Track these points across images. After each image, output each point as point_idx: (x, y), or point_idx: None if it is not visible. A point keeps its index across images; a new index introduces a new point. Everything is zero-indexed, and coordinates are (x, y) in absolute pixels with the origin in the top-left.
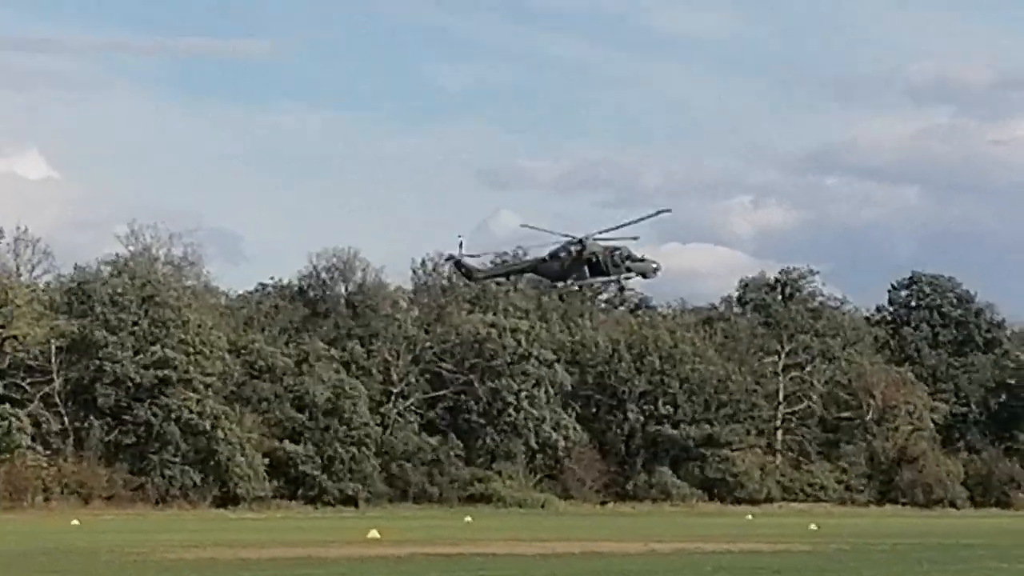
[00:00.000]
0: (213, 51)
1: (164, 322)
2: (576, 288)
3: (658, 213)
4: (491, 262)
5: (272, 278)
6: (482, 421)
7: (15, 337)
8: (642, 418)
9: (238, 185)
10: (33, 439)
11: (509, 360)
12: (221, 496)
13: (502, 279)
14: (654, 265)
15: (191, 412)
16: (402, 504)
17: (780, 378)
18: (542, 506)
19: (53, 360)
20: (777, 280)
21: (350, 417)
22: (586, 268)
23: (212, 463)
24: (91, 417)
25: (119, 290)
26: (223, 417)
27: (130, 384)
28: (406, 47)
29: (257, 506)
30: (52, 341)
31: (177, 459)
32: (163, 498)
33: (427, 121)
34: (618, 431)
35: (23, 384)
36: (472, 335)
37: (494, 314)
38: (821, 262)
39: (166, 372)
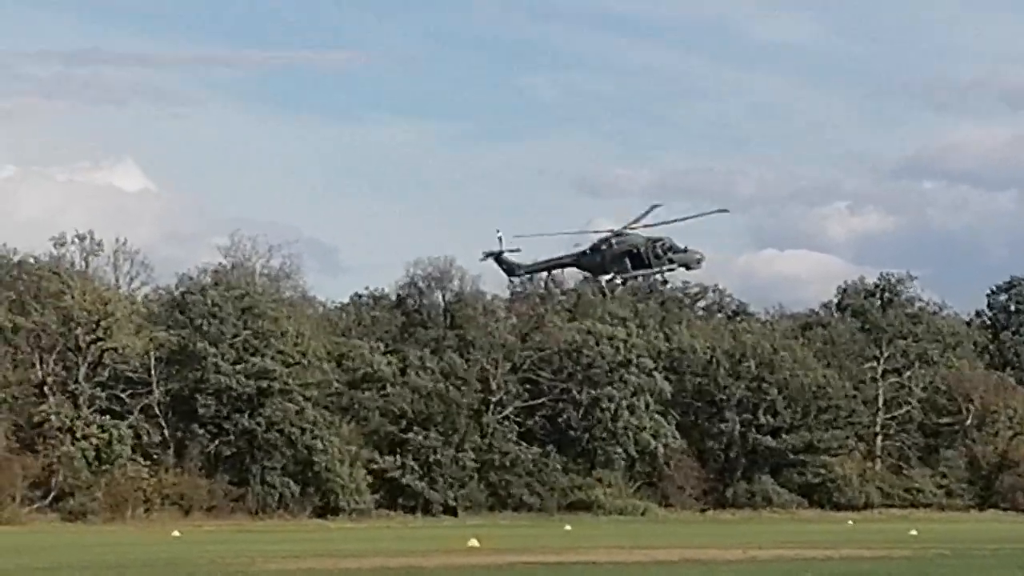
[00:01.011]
0: (308, 63)
1: (263, 332)
2: (619, 282)
3: (716, 212)
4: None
5: (368, 288)
6: (581, 429)
7: (115, 349)
8: (741, 425)
9: (334, 196)
10: (134, 450)
11: (607, 368)
12: (321, 506)
13: (543, 273)
14: (698, 256)
15: (291, 422)
16: (502, 513)
17: (879, 384)
18: (642, 514)
19: (153, 371)
20: (875, 285)
21: (449, 426)
22: (628, 260)
23: (312, 473)
24: (191, 428)
25: (218, 301)
26: (322, 427)
27: (230, 395)
28: (500, 58)
29: (357, 516)
30: (152, 352)
31: (277, 469)
32: (263, 509)
33: (521, 131)
34: (717, 438)
35: (123, 396)
36: (570, 343)
37: (591, 322)
38: (918, 267)
39: (266, 383)
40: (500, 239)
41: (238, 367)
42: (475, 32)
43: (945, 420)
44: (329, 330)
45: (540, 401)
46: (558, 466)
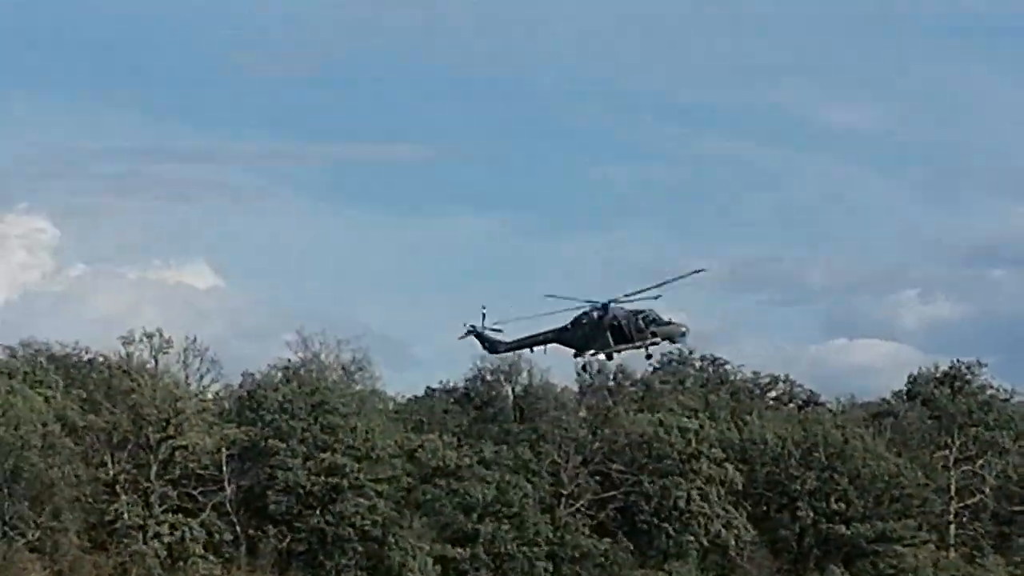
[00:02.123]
0: (378, 156)
1: (334, 428)
2: (602, 357)
3: (692, 273)
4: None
5: (441, 382)
6: (653, 521)
7: (186, 447)
8: (813, 515)
9: (404, 289)
10: (206, 548)
11: (678, 459)
12: None
13: (525, 350)
14: (682, 329)
15: (363, 518)
16: None
17: (951, 472)
18: None
19: (224, 468)
20: (945, 374)
21: (520, 520)
22: (609, 335)
23: (384, 568)
24: (263, 525)
25: (289, 397)
26: (394, 522)
27: (302, 491)
28: (570, 149)
29: None
30: (223, 450)
31: (351, 565)
32: None
33: (591, 222)
34: (789, 528)
35: (195, 493)
36: (640, 435)
37: (662, 413)
38: (988, 354)
39: (337, 478)
40: (484, 315)
41: (309, 463)
42: (545, 124)
43: (1018, 508)
44: (400, 425)
45: (612, 494)
46: (631, 558)
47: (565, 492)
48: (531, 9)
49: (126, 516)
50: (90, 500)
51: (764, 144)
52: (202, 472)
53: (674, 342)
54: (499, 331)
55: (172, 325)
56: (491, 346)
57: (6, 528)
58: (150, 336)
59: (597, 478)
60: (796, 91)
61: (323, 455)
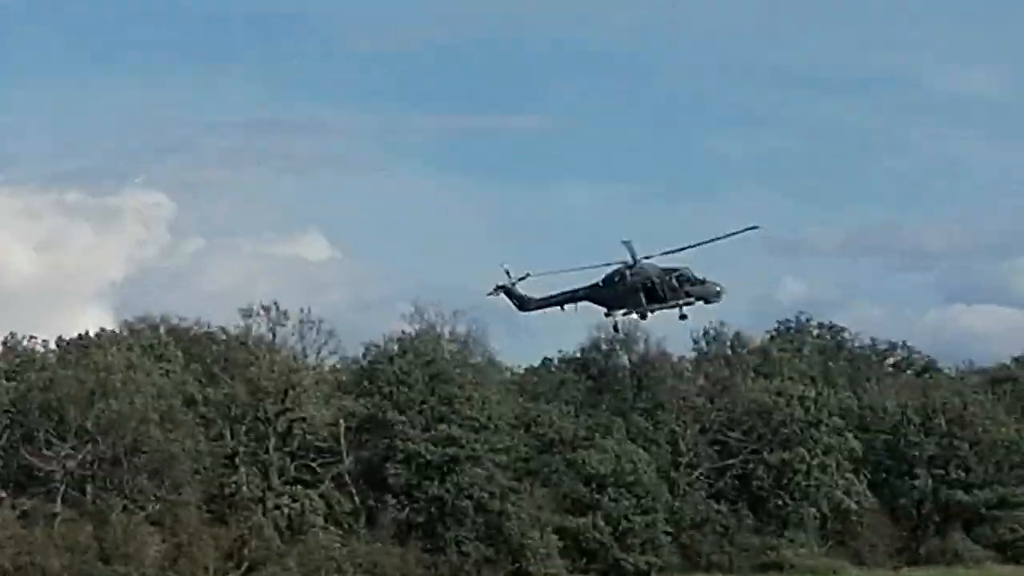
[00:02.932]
0: (490, 128)
1: (451, 399)
2: (636, 316)
3: (746, 230)
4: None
5: (558, 352)
6: (771, 489)
7: (303, 419)
8: (932, 481)
9: (520, 259)
10: (325, 520)
11: (797, 428)
12: (514, 571)
13: (555, 307)
14: (717, 288)
15: (481, 488)
16: (694, 574)
17: None
18: (834, 572)
19: (342, 440)
20: None
21: (639, 488)
22: (642, 294)
23: (503, 539)
24: (382, 496)
25: (406, 369)
26: (513, 492)
27: (420, 462)
28: (686, 118)
29: None
30: (341, 422)
31: (470, 536)
32: (456, 575)
33: (709, 190)
34: (909, 495)
35: (314, 465)
36: (758, 403)
37: (780, 381)
38: None
39: (455, 449)
40: (508, 272)
41: (427, 434)
42: (661, 93)
43: None
44: (516, 395)
45: (730, 462)
46: (750, 526)
47: (683, 460)
48: None
49: (245, 488)
50: (209, 473)
51: (882, 111)
52: (320, 444)
53: (708, 302)
54: (525, 276)
55: (288, 297)
56: (521, 303)
57: (127, 501)
58: (267, 309)
59: (715, 446)
60: (914, 57)
61: (440, 426)
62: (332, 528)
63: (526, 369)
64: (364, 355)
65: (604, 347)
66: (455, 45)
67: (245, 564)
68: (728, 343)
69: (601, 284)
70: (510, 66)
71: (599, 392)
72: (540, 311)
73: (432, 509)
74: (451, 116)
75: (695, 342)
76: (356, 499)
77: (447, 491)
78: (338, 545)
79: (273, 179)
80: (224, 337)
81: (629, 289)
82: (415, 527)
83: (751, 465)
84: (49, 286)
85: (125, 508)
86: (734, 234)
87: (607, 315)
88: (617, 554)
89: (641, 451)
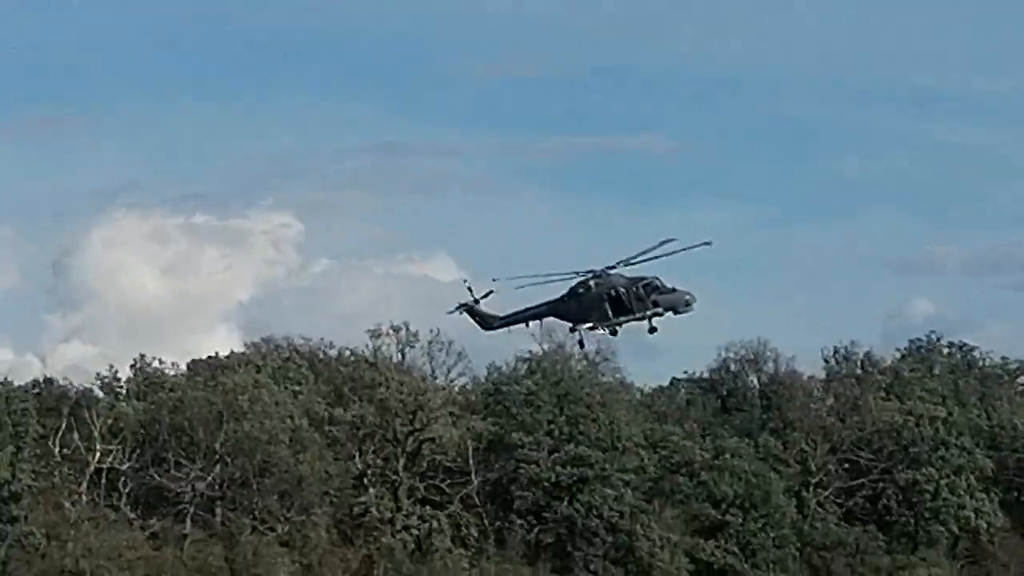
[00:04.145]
0: (614, 149)
1: (579, 419)
2: (602, 332)
3: (700, 245)
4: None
5: (685, 372)
6: (901, 508)
7: (433, 439)
8: None
9: None
10: (453, 541)
11: (928, 447)
12: None
13: (520, 325)
14: (687, 297)
15: (610, 509)
16: None
17: None
18: None
19: (471, 461)
20: None
21: (768, 509)
22: (607, 306)
23: (633, 559)
24: (511, 516)
25: (534, 390)
26: (642, 512)
27: (548, 482)
28: (808, 139)
29: None
30: (469, 442)
31: (599, 556)
32: None
33: (832, 211)
34: None
35: (442, 486)
36: (888, 423)
37: (911, 401)
38: None
39: (583, 469)
40: (470, 289)
41: (555, 455)
42: (783, 115)
43: None
44: (644, 415)
45: (860, 481)
46: (880, 546)
47: (813, 480)
48: (765, 2)
49: (374, 509)
50: (338, 494)
51: (1004, 131)
52: (449, 464)
53: (678, 312)
54: (489, 293)
55: (417, 318)
56: (484, 322)
57: (256, 522)
58: (396, 330)
59: (845, 466)
60: None
61: (568, 446)
62: (460, 549)
63: (654, 389)
64: (492, 375)
65: (733, 368)
66: (578, 68)
67: None
68: (858, 363)
69: (565, 297)
70: (634, 88)
71: (727, 412)
72: (505, 329)
73: (562, 529)
74: (576, 137)
75: (825, 362)
76: (485, 520)
77: (576, 511)
78: (466, 566)
79: (401, 201)
80: (352, 358)
81: (594, 300)
82: (544, 547)
83: (881, 484)
84: (177, 308)
85: (254, 529)
86: (689, 248)
87: (572, 330)
88: (747, 574)
89: (771, 471)
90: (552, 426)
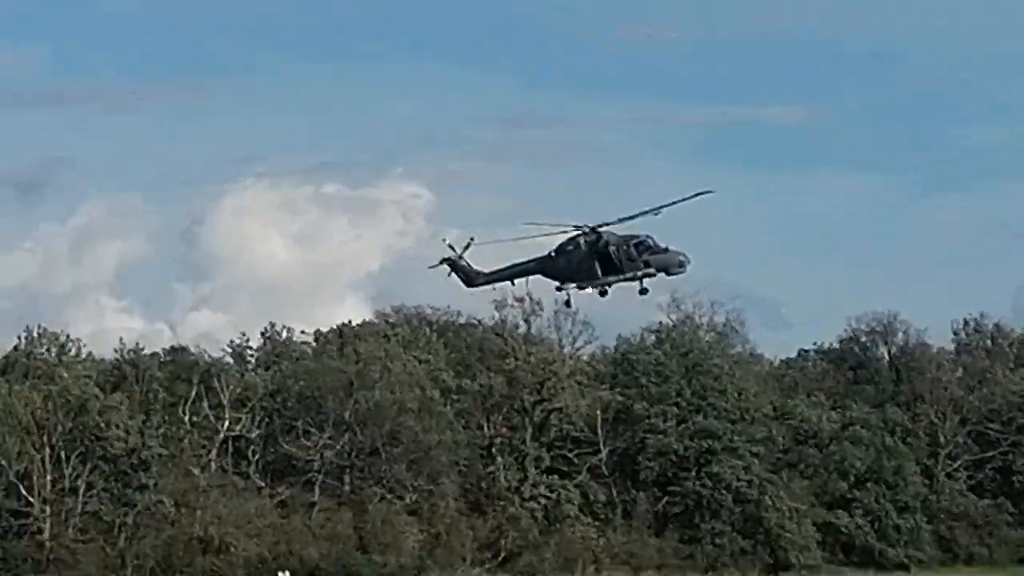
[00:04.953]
0: (747, 120)
1: (706, 390)
2: (591, 290)
3: (700, 194)
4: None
5: (814, 343)
6: None
7: (560, 410)
8: None
9: (777, 251)
10: (581, 510)
11: None
12: (771, 563)
13: (505, 282)
14: (680, 258)
15: (738, 480)
16: (953, 567)
17: None
18: None
19: (599, 431)
20: None
21: (897, 481)
22: (597, 264)
23: (761, 531)
24: (638, 487)
25: (662, 360)
26: (770, 484)
27: (676, 453)
28: (939, 108)
29: (807, 573)
30: (598, 412)
31: (727, 527)
32: (713, 566)
33: (963, 182)
34: None
35: (570, 456)
36: (1019, 395)
37: None
38: None
39: (711, 441)
40: (451, 246)
41: (683, 426)
42: (916, 85)
43: None
44: (773, 386)
45: (990, 454)
46: (1010, 519)
47: (942, 452)
48: None
49: (502, 479)
50: (466, 463)
51: None
52: (577, 435)
53: (670, 273)
54: (471, 241)
55: (544, 288)
56: (468, 278)
57: (384, 491)
58: (521, 300)
59: (974, 438)
60: None
61: (697, 417)
62: (588, 519)
63: (782, 361)
64: (620, 346)
65: (863, 339)
66: (708, 36)
67: (502, 554)
68: (988, 334)
69: (553, 254)
70: (765, 58)
71: (856, 384)
72: (489, 286)
73: (689, 500)
74: (706, 107)
75: (955, 333)
76: (612, 490)
77: (703, 483)
78: (594, 535)
79: (529, 171)
80: (480, 327)
81: (583, 258)
82: (671, 518)
83: (1011, 457)
84: (307, 278)
85: (383, 498)
86: (689, 198)
87: (559, 289)
88: (876, 547)
89: (900, 444)
90: (680, 397)
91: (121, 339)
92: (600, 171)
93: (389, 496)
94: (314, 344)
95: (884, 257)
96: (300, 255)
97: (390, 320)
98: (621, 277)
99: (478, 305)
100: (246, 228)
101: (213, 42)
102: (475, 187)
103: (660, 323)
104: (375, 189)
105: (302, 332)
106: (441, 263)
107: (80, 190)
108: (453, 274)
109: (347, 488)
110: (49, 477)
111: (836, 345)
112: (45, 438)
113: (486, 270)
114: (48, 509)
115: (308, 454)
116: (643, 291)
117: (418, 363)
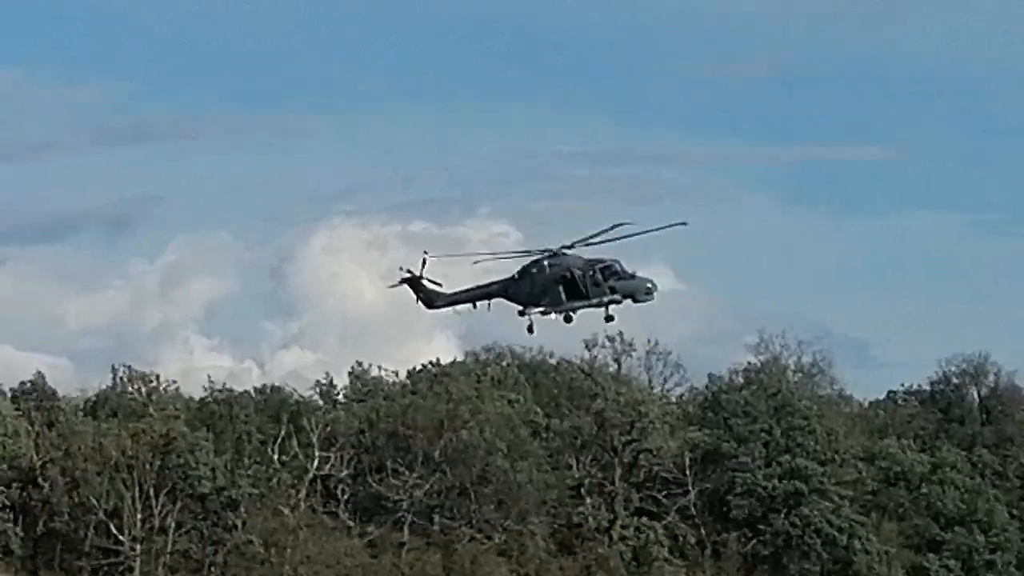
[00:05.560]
0: (839, 157)
1: (794, 430)
2: (553, 316)
3: (675, 225)
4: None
5: (902, 385)
6: None
7: (650, 450)
8: None
9: (864, 289)
10: (670, 551)
11: None
12: None
13: (467, 305)
14: (648, 284)
15: (828, 522)
16: None
17: None
18: None
19: (687, 472)
20: None
21: (988, 524)
22: (561, 288)
23: (850, 573)
24: (727, 528)
25: (751, 400)
26: (859, 526)
27: (765, 494)
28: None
29: None
30: (686, 453)
31: (816, 570)
32: None
33: None
34: None
35: (659, 496)
36: None
37: None
38: None
39: (799, 483)
40: (424, 262)
41: (771, 468)
42: (997, 123)
43: None
44: (862, 427)
45: None
46: None
47: None
48: (983, 8)
49: (591, 519)
50: (556, 503)
51: None
52: (666, 475)
53: (637, 300)
54: (438, 284)
55: (635, 328)
56: (427, 299)
57: (473, 531)
58: (612, 340)
59: None
60: None
61: (784, 458)
62: (677, 560)
63: (872, 402)
64: (709, 386)
65: (954, 380)
66: (793, 73)
67: None
68: None
69: (516, 277)
70: (854, 94)
71: (947, 424)
72: (450, 308)
73: (778, 541)
74: (793, 145)
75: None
76: (702, 531)
77: (792, 524)
78: None
79: (621, 209)
80: (569, 367)
81: (547, 282)
82: (760, 559)
83: None
84: (395, 316)
85: (472, 538)
86: (662, 228)
87: (521, 314)
88: None
89: (990, 487)
90: (768, 437)
91: (210, 377)
92: (690, 210)
93: (478, 536)
94: (406, 382)
95: (973, 297)
96: (389, 293)
97: (480, 359)
98: (587, 303)
99: (568, 345)
100: (335, 266)
101: (304, 79)
102: (565, 225)
103: (748, 363)
104: (462, 227)
105: (389, 371)
106: (401, 283)
107: (169, 227)
108: (414, 294)
109: (436, 528)
110: (139, 516)
111: (926, 387)
112: (135, 476)
113: (448, 291)
114: (138, 547)
115: (397, 494)
116: (609, 318)
117: (508, 403)
